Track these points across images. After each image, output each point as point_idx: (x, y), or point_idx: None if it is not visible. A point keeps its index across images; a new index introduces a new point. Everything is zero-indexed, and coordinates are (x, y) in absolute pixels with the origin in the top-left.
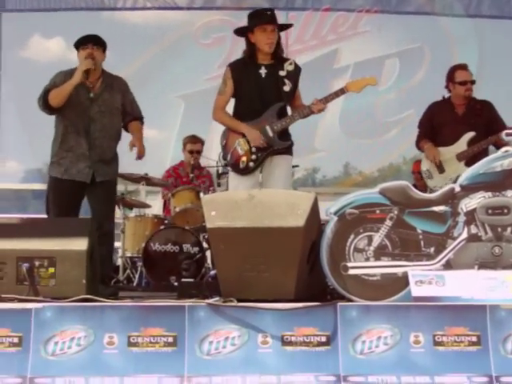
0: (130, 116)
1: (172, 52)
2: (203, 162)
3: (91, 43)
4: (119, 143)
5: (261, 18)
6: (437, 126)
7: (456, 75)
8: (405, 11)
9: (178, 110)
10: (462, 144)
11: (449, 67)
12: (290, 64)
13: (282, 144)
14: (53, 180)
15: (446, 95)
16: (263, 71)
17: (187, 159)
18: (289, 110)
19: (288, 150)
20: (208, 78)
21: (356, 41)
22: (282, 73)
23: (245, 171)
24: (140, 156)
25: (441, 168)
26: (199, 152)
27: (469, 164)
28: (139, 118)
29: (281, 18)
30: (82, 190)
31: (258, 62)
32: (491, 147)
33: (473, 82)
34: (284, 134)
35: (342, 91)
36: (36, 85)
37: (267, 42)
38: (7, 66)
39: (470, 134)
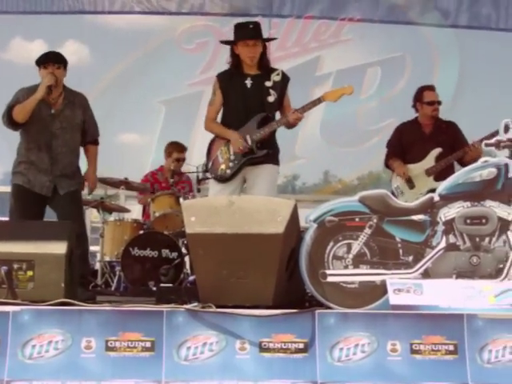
0: (88, 136)
1: (154, 57)
2: (184, 167)
3: (52, 62)
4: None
5: (244, 33)
6: (405, 145)
7: (424, 95)
8: (387, 20)
9: (159, 114)
10: (430, 160)
11: (429, 76)
12: (277, 74)
13: (259, 153)
14: (16, 187)
15: (414, 115)
16: (249, 82)
17: (168, 165)
18: None
19: (270, 159)
20: (190, 84)
21: (338, 49)
22: (268, 83)
23: (222, 178)
24: (91, 190)
25: (411, 183)
26: (184, 160)
27: (437, 178)
28: (96, 140)
29: (264, 24)
30: (44, 200)
31: (245, 73)
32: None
33: (439, 103)
34: (264, 144)
35: (319, 100)
36: (17, 87)
37: (249, 56)
38: None
39: (438, 150)
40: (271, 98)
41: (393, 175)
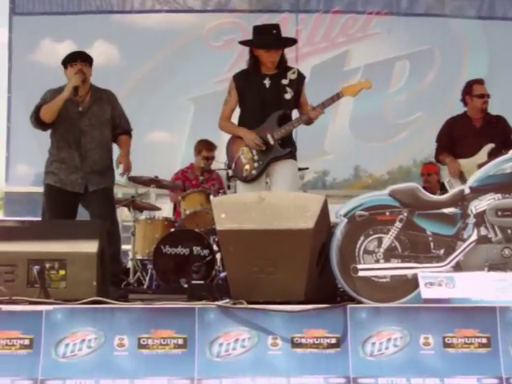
0: (119, 129)
1: (182, 55)
2: (213, 164)
3: (79, 60)
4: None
5: (266, 41)
6: (456, 139)
7: (474, 88)
8: (415, 13)
9: (188, 112)
10: (482, 155)
11: (458, 69)
12: (293, 73)
13: (282, 151)
14: (48, 187)
15: (462, 109)
16: (267, 82)
17: (198, 163)
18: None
19: (291, 155)
20: (218, 81)
21: (366, 43)
22: (285, 81)
23: (248, 178)
24: (125, 172)
25: (463, 178)
26: (213, 158)
27: None
28: (128, 132)
29: (291, 20)
30: (76, 199)
31: (262, 73)
32: None
33: (488, 96)
34: (285, 141)
35: (337, 96)
36: (46, 88)
37: (270, 61)
38: (18, 70)
39: (490, 146)
40: (288, 96)
41: (445, 169)
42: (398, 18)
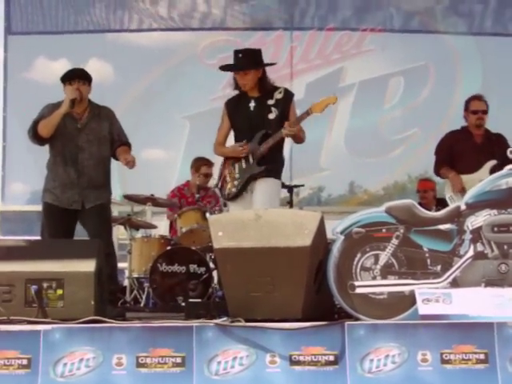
0: (118, 142)
1: (177, 73)
2: (209, 182)
3: (77, 78)
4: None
5: (233, 63)
6: (456, 153)
7: (471, 104)
8: (409, 30)
9: (183, 130)
10: (484, 172)
11: (453, 84)
12: (280, 92)
13: (258, 169)
14: (46, 206)
15: (458, 124)
16: (252, 104)
17: (194, 180)
18: None
19: (271, 174)
20: (213, 98)
21: (360, 59)
22: (271, 101)
23: (230, 196)
24: (131, 164)
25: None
26: (211, 175)
27: None
28: (127, 143)
29: (285, 37)
30: (73, 216)
31: (249, 96)
32: None
33: (484, 112)
34: (266, 159)
35: (307, 113)
36: (41, 106)
37: (242, 83)
38: (13, 88)
39: (492, 162)
40: (272, 115)
41: (446, 184)
42: (392, 34)
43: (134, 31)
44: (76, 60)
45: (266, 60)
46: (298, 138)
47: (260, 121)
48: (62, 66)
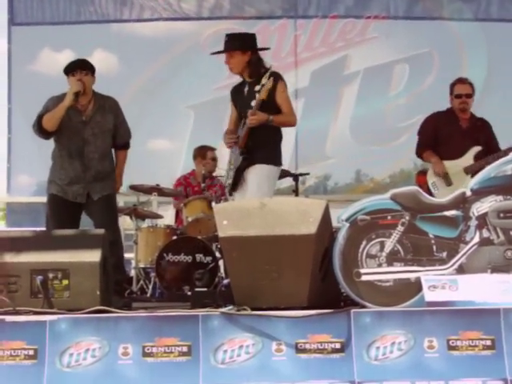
0: (119, 140)
1: (181, 62)
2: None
3: (79, 69)
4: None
5: (223, 48)
6: (441, 137)
7: (455, 88)
8: (413, 16)
9: (188, 120)
10: (468, 158)
11: (458, 71)
12: (265, 77)
13: (239, 159)
14: (51, 197)
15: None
16: (245, 89)
17: (199, 169)
18: None
19: (257, 160)
20: (217, 88)
21: (365, 47)
22: (257, 87)
23: (228, 189)
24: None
25: (448, 180)
26: (217, 158)
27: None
28: (126, 144)
29: (289, 26)
30: (79, 208)
31: (245, 81)
32: None
33: (468, 96)
34: (251, 147)
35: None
36: (46, 98)
37: (229, 67)
38: (17, 80)
39: (477, 149)
40: (253, 102)
41: (429, 170)
42: (396, 21)
43: (139, 21)
44: (81, 51)
45: (269, 49)
46: (280, 124)
47: (248, 107)
48: (67, 58)
